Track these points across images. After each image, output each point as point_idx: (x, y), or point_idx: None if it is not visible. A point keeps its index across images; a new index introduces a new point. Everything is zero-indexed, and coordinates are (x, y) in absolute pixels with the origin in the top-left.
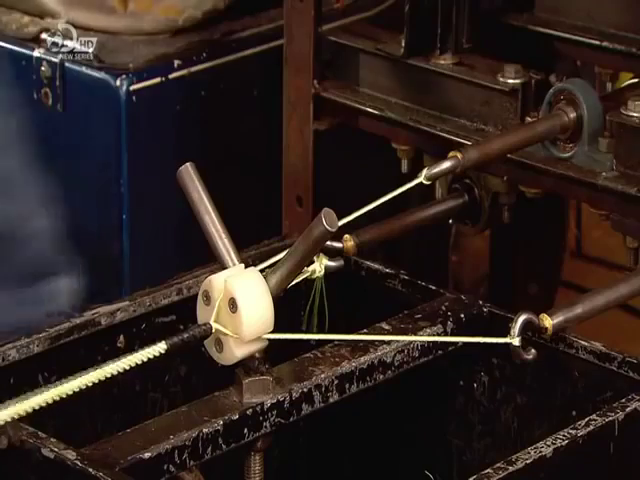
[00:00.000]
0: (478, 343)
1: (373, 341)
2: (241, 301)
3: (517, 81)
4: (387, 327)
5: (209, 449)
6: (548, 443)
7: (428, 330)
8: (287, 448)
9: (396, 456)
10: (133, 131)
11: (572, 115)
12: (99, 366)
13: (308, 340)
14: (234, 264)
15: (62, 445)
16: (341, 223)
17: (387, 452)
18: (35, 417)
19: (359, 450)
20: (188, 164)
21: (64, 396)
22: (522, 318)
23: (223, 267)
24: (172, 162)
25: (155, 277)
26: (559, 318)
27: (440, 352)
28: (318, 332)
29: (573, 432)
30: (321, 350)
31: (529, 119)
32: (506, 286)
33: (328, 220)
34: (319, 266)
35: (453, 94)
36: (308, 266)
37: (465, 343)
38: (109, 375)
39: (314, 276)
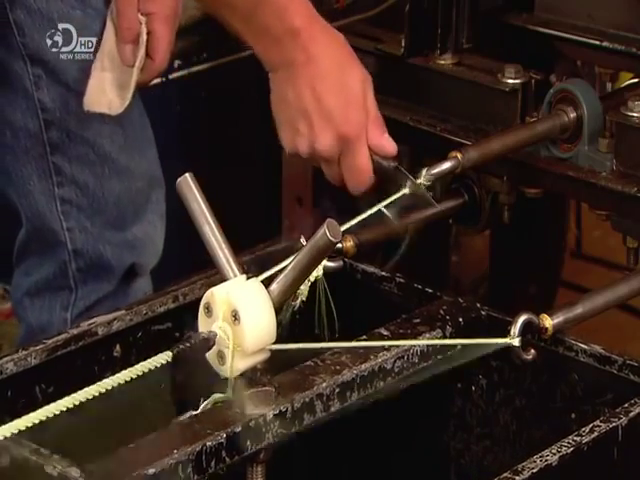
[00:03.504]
0: (476, 346)
1: (373, 347)
2: (243, 313)
3: (517, 81)
4: (386, 333)
5: (212, 462)
6: (553, 451)
7: (427, 335)
8: (286, 454)
9: (394, 459)
10: None
11: (572, 115)
12: (106, 377)
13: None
14: (235, 275)
15: (65, 462)
16: (344, 228)
17: (385, 455)
18: (32, 428)
19: (357, 453)
20: (187, 174)
21: (63, 409)
22: (522, 318)
23: (224, 278)
24: (172, 162)
25: (154, 280)
26: (559, 318)
27: (439, 357)
28: (330, 332)
29: (577, 439)
30: (321, 358)
31: (529, 119)
32: (506, 286)
33: (331, 231)
34: (316, 269)
35: (453, 94)
36: None
37: (464, 346)
38: (109, 387)
39: (312, 279)
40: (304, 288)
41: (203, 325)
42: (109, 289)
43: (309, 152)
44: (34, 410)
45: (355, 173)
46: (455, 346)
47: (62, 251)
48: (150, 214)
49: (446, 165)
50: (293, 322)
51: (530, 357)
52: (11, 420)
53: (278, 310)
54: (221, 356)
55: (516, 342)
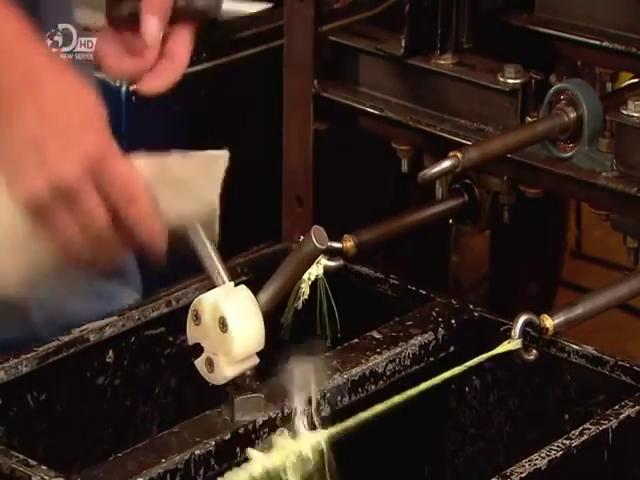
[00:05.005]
0: (470, 347)
1: (364, 351)
2: (231, 321)
3: (517, 81)
4: (378, 336)
5: (201, 471)
6: (542, 455)
7: (419, 338)
8: None
9: (387, 460)
10: (133, 131)
11: (572, 115)
12: None
13: (325, 341)
14: (224, 282)
15: (53, 473)
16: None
17: (378, 456)
18: (25, 435)
19: (348, 455)
20: None
21: None
22: (523, 319)
23: (213, 285)
24: None
25: (153, 282)
26: (560, 318)
27: (432, 359)
28: (331, 332)
29: (567, 442)
30: None
31: (529, 119)
32: (506, 286)
33: (318, 238)
34: (316, 269)
35: (453, 94)
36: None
37: (456, 347)
38: None
39: (313, 278)
40: (305, 287)
41: (192, 332)
42: None
43: (51, 187)
44: (26, 418)
45: (124, 189)
46: (449, 349)
47: None
48: None
49: (446, 164)
50: (294, 323)
51: (532, 357)
52: (4, 428)
53: (267, 316)
54: (209, 363)
55: (518, 344)
